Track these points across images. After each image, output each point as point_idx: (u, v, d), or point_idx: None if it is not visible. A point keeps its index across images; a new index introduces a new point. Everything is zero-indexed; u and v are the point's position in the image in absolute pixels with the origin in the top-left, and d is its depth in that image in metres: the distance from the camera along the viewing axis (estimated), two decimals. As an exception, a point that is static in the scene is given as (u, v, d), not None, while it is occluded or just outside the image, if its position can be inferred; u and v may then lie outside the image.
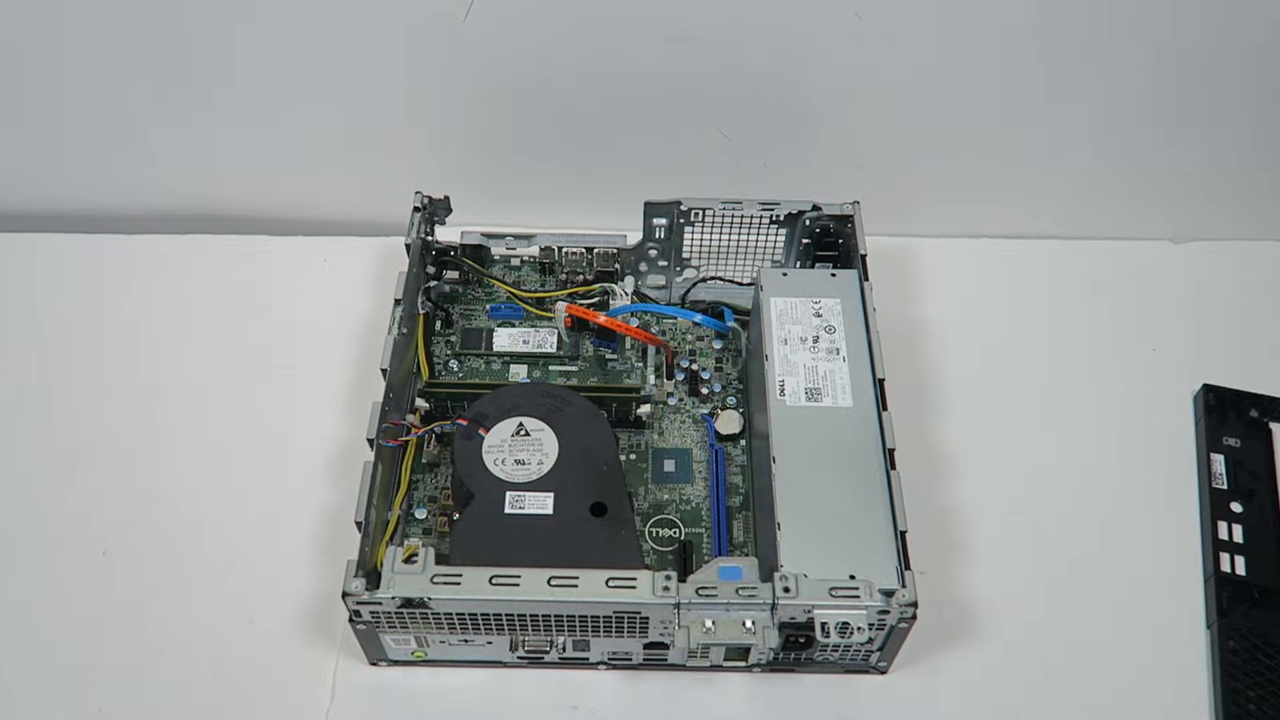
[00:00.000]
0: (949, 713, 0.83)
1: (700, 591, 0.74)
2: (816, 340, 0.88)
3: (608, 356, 1.01)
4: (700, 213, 0.97)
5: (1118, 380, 1.03)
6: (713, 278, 1.03)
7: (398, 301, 0.91)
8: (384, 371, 0.86)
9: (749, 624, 0.75)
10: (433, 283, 1.01)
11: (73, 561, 0.89)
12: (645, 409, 0.94)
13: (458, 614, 0.76)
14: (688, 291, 1.04)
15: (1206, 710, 0.83)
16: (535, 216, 1.10)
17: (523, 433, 0.86)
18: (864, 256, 0.93)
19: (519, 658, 0.82)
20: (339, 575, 0.75)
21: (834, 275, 0.93)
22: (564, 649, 0.81)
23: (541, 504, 0.82)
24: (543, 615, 0.76)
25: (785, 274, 0.93)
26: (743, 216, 0.97)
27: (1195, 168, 1.12)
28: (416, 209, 0.98)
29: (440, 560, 0.76)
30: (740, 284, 1.03)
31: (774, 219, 0.98)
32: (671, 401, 0.98)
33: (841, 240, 0.98)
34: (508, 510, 0.82)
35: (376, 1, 0.98)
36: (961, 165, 1.13)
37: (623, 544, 0.81)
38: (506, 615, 0.76)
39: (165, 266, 1.11)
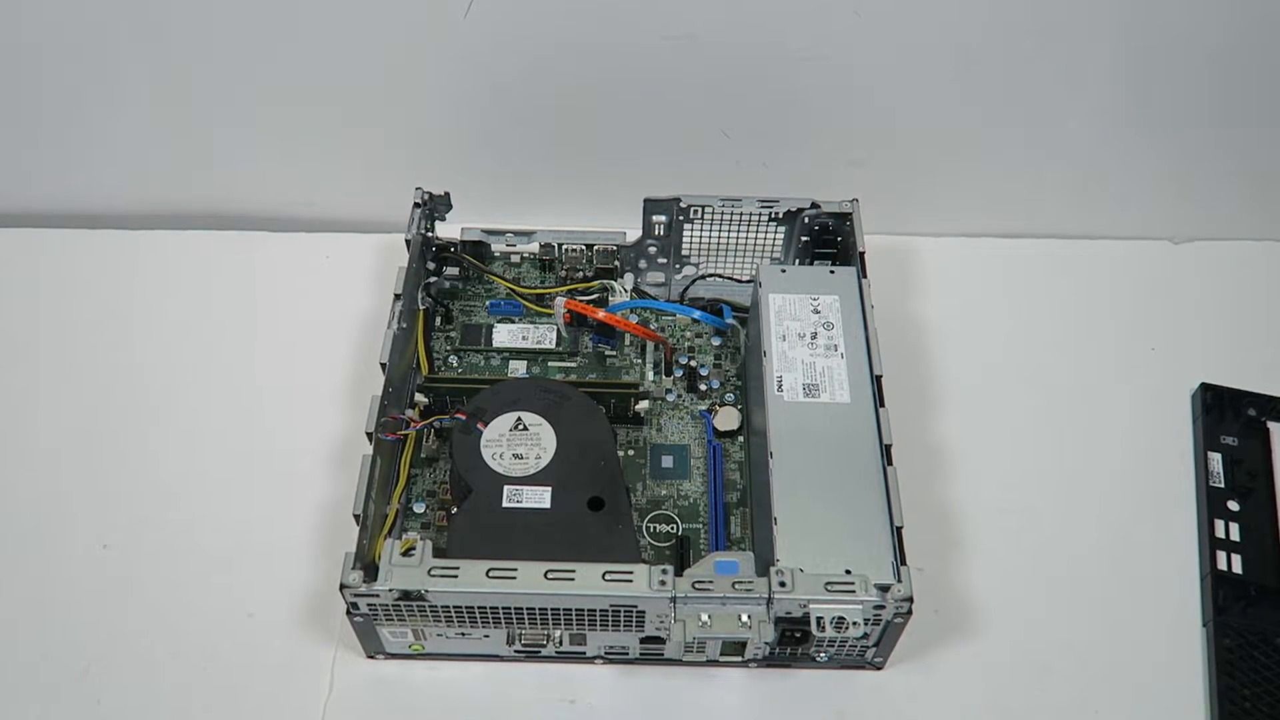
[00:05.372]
0: (945, 709, 0.83)
1: (696, 585, 0.74)
2: (815, 336, 0.88)
3: (607, 353, 1.01)
4: (699, 210, 0.97)
5: (1116, 379, 1.03)
6: (712, 274, 1.03)
7: (397, 296, 0.92)
8: (383, 366, 0.87)
9: (745, 618, 0.75)
10: (433, 279, 1.01)
11: (73, 555, 0.90)
12: (644, 405, 0.94)
13: (455, 606, 0.76)
14: (687, 288, 1.04)
15: (1202, 708, 0.83)
16: (535, 214, 1.10)
17: (521, 427, 0.86)
18: (863, 254, 0.94)
19: (516, 652, 0.83)
20: (337, 569, 0.75)
21: (833, 272, 0.94)
22: (561, 643, 0.81)
23: (539, 498, 0.82)
24: (539, 608, 0.76)
25: (784, 271, 0.94)
26: (742, 214, 0.98)
27: (1195, 168, 1.12)
28: (417, 205, 0.98)
29: (438, 553, 0.76)
30: (739, 281, 1.03)
31: (773, 216, 0.98)
32: (670, 398, 0.98)
33: (840, 238, 0.98)
34: (505, 504, 0.82)
35: (376, 1, 0.98)
36: (961, 164, 1.13)
37: (620, 538, 0.81)
38: (503, 608, 0.76)
39: (167, 263, 1.11)
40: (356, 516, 0.79)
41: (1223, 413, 0.99)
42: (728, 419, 0.96)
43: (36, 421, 0.98)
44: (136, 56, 1.03)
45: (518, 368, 1.00)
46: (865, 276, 0.92)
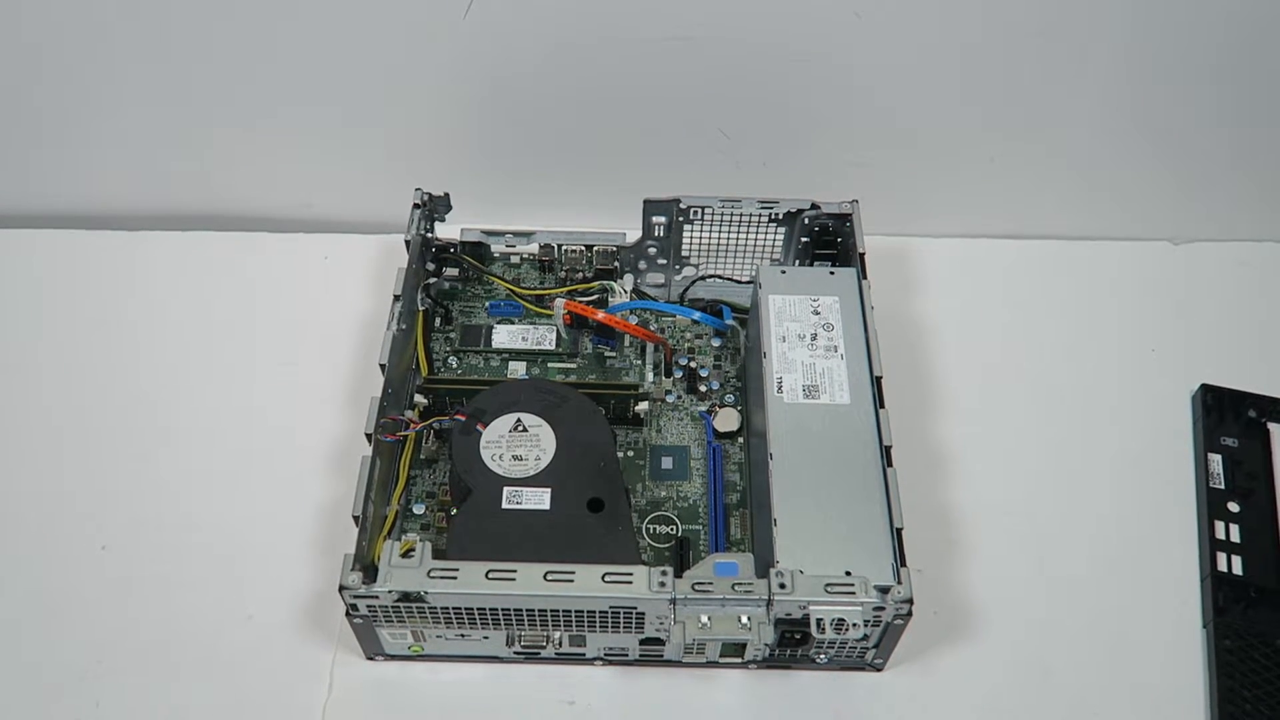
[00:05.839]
0: (945, 710, 0.83)
1: (696, 587, 0.74)
2: (814, 338, 0.88)
3: (606, 354, 1.01)
4: (699, 211, 0.97)
5: (1116, 380, 1.03)
6: (711, 275, 1.03)
7: (397, 297, 0.92)
8: (382, 367, 0.86)
9: (745, 620, 0.75)
10: (432, 279, 1.01)
11: (72, 557, 0.90)
12: (643, 406, 0.94)
13: (454, 608, 0.76)
14: (686, 289, 1.04)
15: (1202, 709, 0.83)
16: (534, 215, 1.10)
17: (520, 428, 0.86)
18: (862, 255, 0.93)
19: (515, 653, 0.83)
20: (337, 570, 0.75)
21: (832, 273, 0.93)
22: (560, 644, 0.81)
23: (539, 499, 0.82)
24: (539, 610, 0.76)
25: (784, 272, 0.93)
26: (742, 214, 0.98)
27: (1195, 168, 1.12)
28: (416, 206, 0.98)
29: (438, 555, 0.76)
30: (739, 282, 1.03)
31: (773, 217, 0.98)
32: (670, 399, 0.98)
33: (840, 239, 0.98)
34: (505, 505, 0.82)
35: (376, 1, 0.98)
36: (961, 164, 1.13)
37: (620, 540, 0.81)
38: (503, 610, 0.76)
39: (167, 263, 1.11)
40: (356, 518, 0.79)
41: (1223, 414, 0.99)
42: (727, 420, 0.96)
43: (36, 422, 0.98)
44: (136, 57, 1.03)
45: (517, 369, 1.00)
46: (865, 277, 0.92)
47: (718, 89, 1.05)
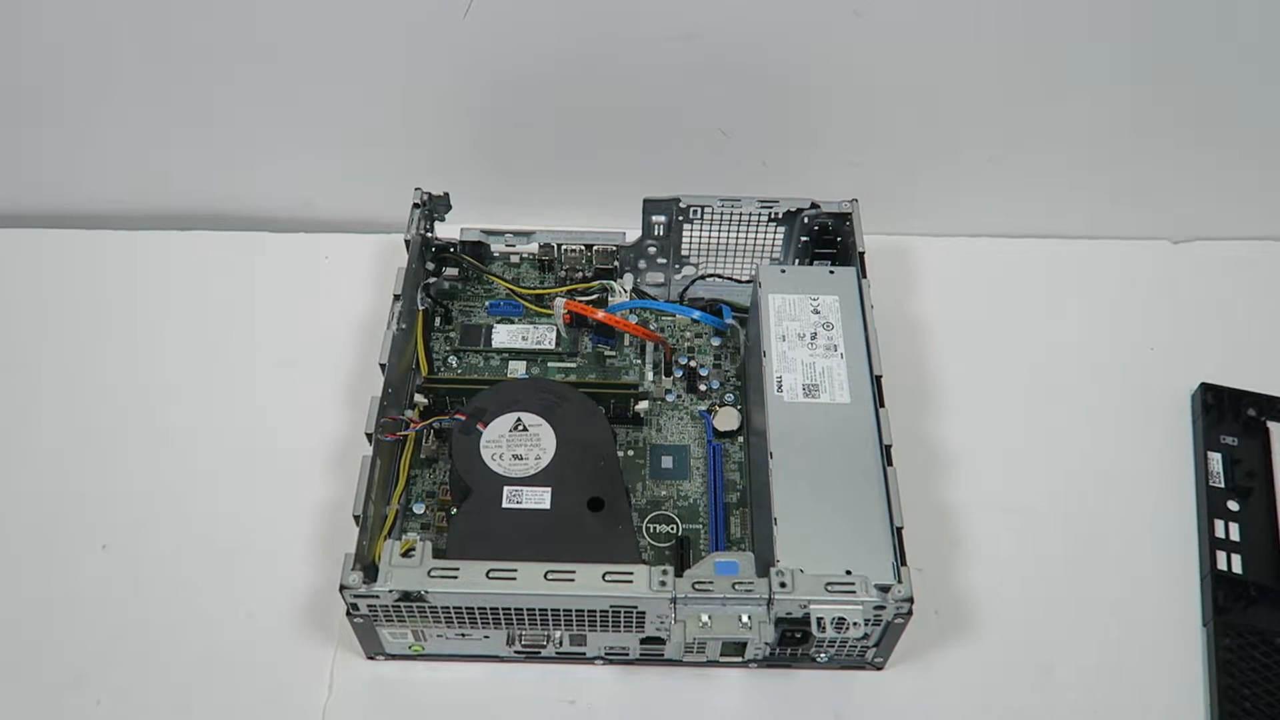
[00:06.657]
0: (945, 709, 0.83)
1: (696, 586, 0.74)
2: (814, 337, 0.88)
3: (606, 353, 1.01)
4: (699, 210, 0.97)
5: (1116, 379, 1.03)
6: (711, 275, 1.03)
7: (397, 297, 0.92)
8: (382, 366, 0.86)
9: (745, 619, 0.75)
10: (432, 279, 1.01)
11: (73, 556, 0.90)
12: (643, 405, 0.94)
13: (455, 607, 0.76)
14: (686, 288, 1.04)
15: (1202, 708, 0.83)
16: (534, 214, 1.10)
17: (520, 428, 0.86)
18: (862, 254, 0.94)
19: (516, 652, 0.83)
20: (337, 569, 0.75)
21: (832, 272, 0.93)
22: (561, 644, 0.81)
23: (539, 499, 0.82)
24: (539, 609, 0.76)
25: (784, 271, 0.93)
26: (741, 214, 0.98)
27: (1195, 168, 1.12)
28: (416, 205, 0.98)
29: (438, 554, 0.76)
30: (739, 281, 1.03)
31: (772, 216, 0.98)
32: (670, 398, 0.98)
33: (840, 238, 0.98)
34: (505, 504, 0.82)
35: (376, 2, 0.98)
36: (961, 164, 1.13)
37: (620, 539, 0.81)
38: (503, 609, 0.76)
39: (167, 263, 1.11)
40: (356, 517, 0.79)
41: (1222, 412, 0.99)
42: (727, 419, 0.96)
43: (36, 422, 0.98)
44: (137, 56, 1.03)
45: (517, 368, 1.00)
46: (865, 276, 0.92)
47: (718, 89, 1.05)
